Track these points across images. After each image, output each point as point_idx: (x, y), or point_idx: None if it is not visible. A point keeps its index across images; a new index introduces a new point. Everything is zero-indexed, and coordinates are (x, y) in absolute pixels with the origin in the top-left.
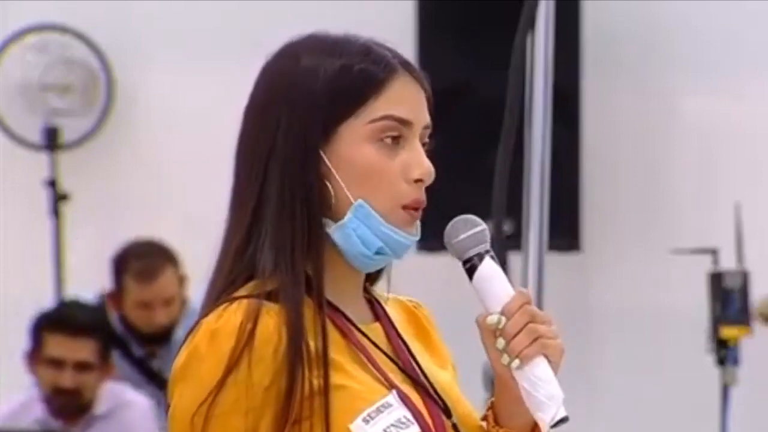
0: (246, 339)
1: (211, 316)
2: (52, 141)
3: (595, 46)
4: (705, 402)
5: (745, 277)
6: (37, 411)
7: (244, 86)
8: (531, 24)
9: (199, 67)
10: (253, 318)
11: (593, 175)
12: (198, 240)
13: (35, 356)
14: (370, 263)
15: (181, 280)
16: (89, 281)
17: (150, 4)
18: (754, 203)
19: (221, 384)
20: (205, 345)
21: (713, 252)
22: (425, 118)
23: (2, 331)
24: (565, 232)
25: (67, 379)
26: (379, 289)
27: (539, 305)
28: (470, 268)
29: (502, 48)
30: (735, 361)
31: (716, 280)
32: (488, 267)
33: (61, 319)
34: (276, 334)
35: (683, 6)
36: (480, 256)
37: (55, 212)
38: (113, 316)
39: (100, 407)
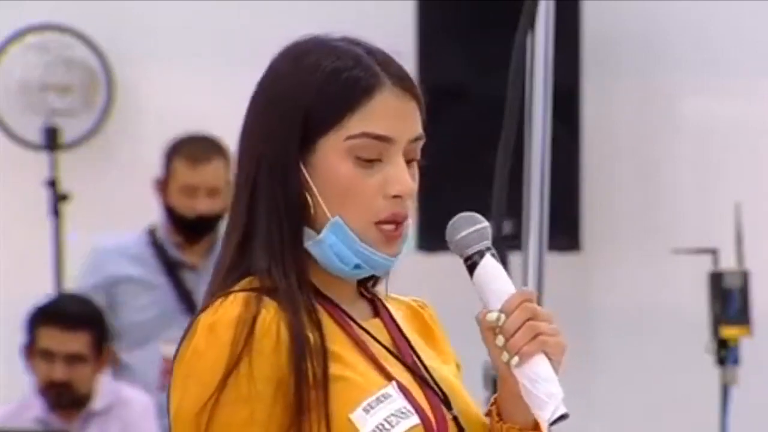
0: (245, 330)
1: (208, 312)
2: (52, 141)
3: (595, 46)
4: (705, 402)
5: (745, 277)
6: (37, 409)
7: (243, 86)
8: (531, 24)
9: (199, 67)
10: (251, 309)
11: (593, 175)
12: None
13: (30, 350)
14: (351, 275)
15: (229, 182)
16: None
17: (150, 4)
18: (754, 203)
19: (225, 380)
20: (203, 340)
21: (713, 252)
22: (412, 132)
23: (2, 331)
24: (565, 232)
25: (59, 371)
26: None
27: (539, 305)
28: (471, 265)
29: (502, 48)
30: (735, 361)
31: (716, 280)
32: (489, 264)
33: (53, 312)
34: (274, 327)
35: (683, 6)
36: (481, 253)
37: (55, 212)
38: (160, 205)
39: (98, 402)
